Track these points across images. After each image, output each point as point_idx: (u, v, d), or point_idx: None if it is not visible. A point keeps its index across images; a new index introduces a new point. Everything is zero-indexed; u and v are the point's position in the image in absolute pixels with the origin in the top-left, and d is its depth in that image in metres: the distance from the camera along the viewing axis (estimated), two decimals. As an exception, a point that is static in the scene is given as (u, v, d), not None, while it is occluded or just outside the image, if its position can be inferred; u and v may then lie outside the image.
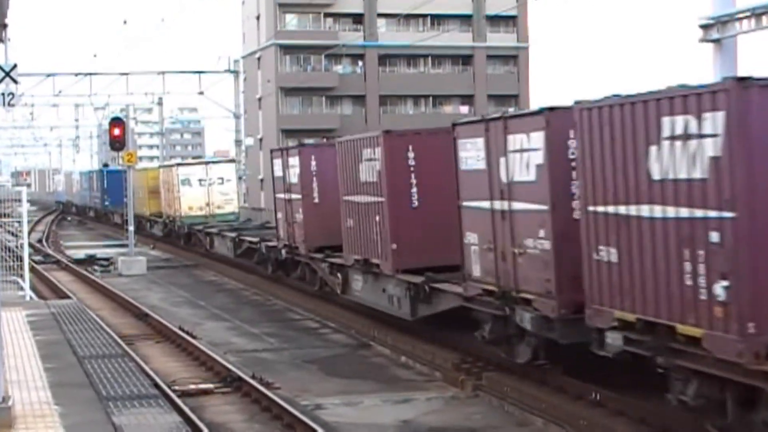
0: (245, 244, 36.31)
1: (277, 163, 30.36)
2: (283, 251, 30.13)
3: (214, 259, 42.21)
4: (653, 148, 12.46)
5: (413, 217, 20.91)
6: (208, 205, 46.54)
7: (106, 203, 67.34)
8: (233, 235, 38.29)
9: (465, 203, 17.70)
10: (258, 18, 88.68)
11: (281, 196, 29.82)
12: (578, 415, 14.80)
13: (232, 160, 52.78)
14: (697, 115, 11.67)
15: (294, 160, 28.42)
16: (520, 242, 15.78)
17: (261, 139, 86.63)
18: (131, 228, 41.71)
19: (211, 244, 42.14)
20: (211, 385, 18.09)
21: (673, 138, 12.11)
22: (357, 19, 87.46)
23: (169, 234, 50.84)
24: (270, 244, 32.22)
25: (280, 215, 30.23)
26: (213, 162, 50.97)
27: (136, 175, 59.58)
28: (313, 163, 27.36)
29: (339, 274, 25.12)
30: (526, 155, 15.47)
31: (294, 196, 28.54)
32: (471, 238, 17.52)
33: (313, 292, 28.89)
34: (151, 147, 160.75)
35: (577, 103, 14.28)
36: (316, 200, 27.41)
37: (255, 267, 35.35)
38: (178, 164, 50.47)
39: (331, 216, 24.94)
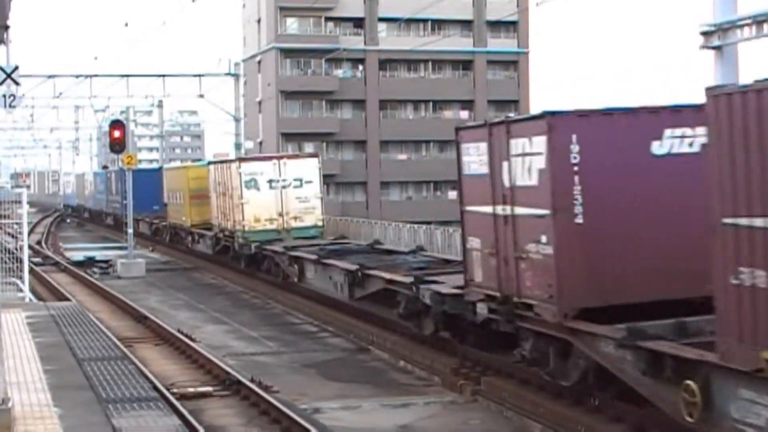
0: (377, 283, 23.42)
1: (476, 149, 17.09)
2: (482, 307, 17.28)
3: (216, 263, 41.95)
4: None
5: None
6: (281, 215, 34.90)
7: None
8: (352, 267, 24.85)
9: None
10: (259, 21, 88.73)
11: (482, 209, 16.87)
12: (577, 421, 14.80)
13: (314, 155, 38.93)
14: None
15: (525, 143, 15.43)
16: None
17: (261, 143, 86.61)
18: (130, 231, 41.65)
19: (301, 275, 29.91)
20: (209, 388, 18.10)
21: None
22: (358, 23, 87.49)
23: (224, 252, 39.15)
24: (442, 289, 19.40)
25: (475, 243, 17.22)
26: (288, 157, 37.90)
27: (171, 175, 50.48)
28: (576, 147, 14.61)
29: (693, 384, 12.01)
30: None
31: (522, 210, 15.57)
32: None
33: (309, 296, 28.72)
34: (150, 149, 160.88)
35: None
36: (580, 220, 14.60)
37: (387, 317, 23.25)
38: (241, 159, 38.51)
39: (619, 251, 14.51)
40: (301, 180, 35.25)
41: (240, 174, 35.33)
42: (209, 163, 44.17)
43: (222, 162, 40.83)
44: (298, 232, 34.57)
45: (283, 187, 35.03)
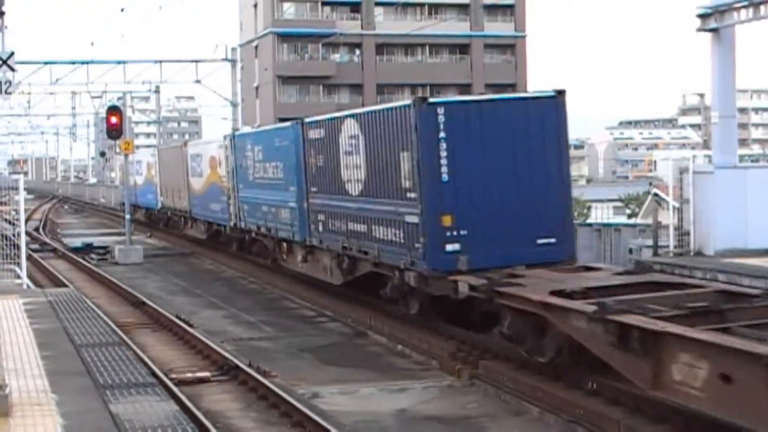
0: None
1: None
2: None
3: (209, 248, 42.00)
4: None
5: None
6: None
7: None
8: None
9: None
10: (255, 6, 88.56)
11: None
12: (575, 404, 14.82)
13: None
14: None
15: None
16: None
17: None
18: (128, 216, 41.58)
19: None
20: (207, 374, 18.10)
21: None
22: (354, 7, 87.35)
23: None
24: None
25: None
26: None
27: None
28: None
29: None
30: None
31: None
32: None
33: (309, 282, 28.72)
34: (148, 135, 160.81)
35: None
36: None
37: None
38: None
39: None
40: None
41: None
42: None
43: None
44: None
45: None
